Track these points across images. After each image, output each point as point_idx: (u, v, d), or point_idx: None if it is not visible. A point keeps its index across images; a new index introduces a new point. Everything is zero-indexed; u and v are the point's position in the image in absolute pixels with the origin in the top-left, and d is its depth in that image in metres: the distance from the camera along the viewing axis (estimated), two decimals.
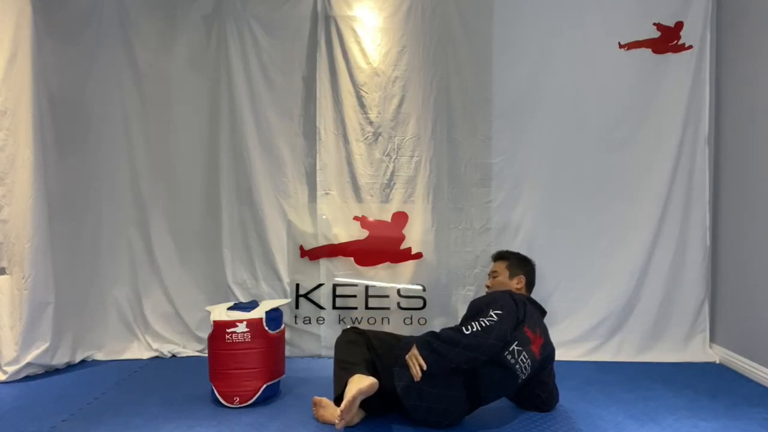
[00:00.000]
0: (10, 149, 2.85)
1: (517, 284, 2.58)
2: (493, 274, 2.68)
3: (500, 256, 2.73)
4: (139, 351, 3.26)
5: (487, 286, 2.69)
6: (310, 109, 3.34)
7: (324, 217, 3.32)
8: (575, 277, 3.29)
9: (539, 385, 2.41)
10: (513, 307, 2.28)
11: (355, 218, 3.33)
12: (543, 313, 2.51)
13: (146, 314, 3.32)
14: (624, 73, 3.27)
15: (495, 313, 2.21)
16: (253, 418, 2.37)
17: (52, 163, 2.96)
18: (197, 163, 3.36)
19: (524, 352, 2.25)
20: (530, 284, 2.63)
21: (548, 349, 2.40)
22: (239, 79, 3.28)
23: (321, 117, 3.31)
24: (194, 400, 2.57)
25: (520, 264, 2.64)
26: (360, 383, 2.10)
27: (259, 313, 2.56)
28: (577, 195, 3.31)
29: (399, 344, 2.36)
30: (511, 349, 2.22)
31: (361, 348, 2.39)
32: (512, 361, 2.22)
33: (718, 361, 3.18)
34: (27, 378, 2.84)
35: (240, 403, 2.48)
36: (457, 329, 2.18)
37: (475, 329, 2.15)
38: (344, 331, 2.56)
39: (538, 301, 2.58)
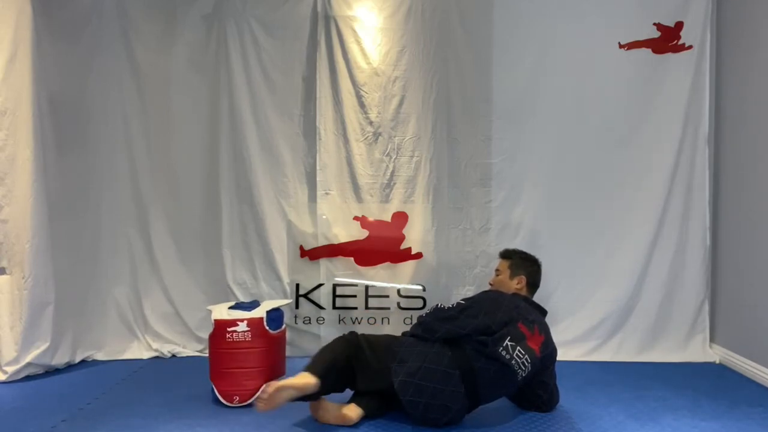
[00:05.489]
0: (10, 149, 2.85)
1: (516, 284, 2.58)
2: (496, 272, 2.70)
3: (505, 255, 2.73)
4: (139, 351, 3.26)
5: (490, 284, 2.71)
6: (310, 109, 3.34)
7: (324, 217, 3.32)
8: (575, 276, 3.29)
9: (540, 386, 2.41)
10: (489, 305, 2.33)
11: (355, 218, 3.33)
12: (543, 313, 2.51)
13: (146, 314, 3.32)
14: (624, 73, 3.27)
15: (458, 302, 2.39)
16: (253, 418, 2.36)
17: (52, 163, 2.95)
18: (197, 163, 3.36)
19: (519, 348, 2.25)
20: (532, 285, 2.62)
21: (550, 348, 2.40)
22: (239, 79, 3.28)
23: (321, 117, 3.31)
24: (194, 400, 2.57)
25: (523, 264, 2.64)
26: (298, 379, 2.18)
27: (260, 312, 2.57)
28: (577, 195, 3.31)
29: (396, 342, 2.36)
30: (504, 344, 2.23)
31: (333, 352, 2.33)
32: (507, 356, 2.22)
33: (718, 361, 3.18)
34: (27, 378, 2.84)
35: (240, 402, 2.49)
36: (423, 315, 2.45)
37: (428, 310, 2.43)
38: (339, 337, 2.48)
39: (539, 300, 2.59)
